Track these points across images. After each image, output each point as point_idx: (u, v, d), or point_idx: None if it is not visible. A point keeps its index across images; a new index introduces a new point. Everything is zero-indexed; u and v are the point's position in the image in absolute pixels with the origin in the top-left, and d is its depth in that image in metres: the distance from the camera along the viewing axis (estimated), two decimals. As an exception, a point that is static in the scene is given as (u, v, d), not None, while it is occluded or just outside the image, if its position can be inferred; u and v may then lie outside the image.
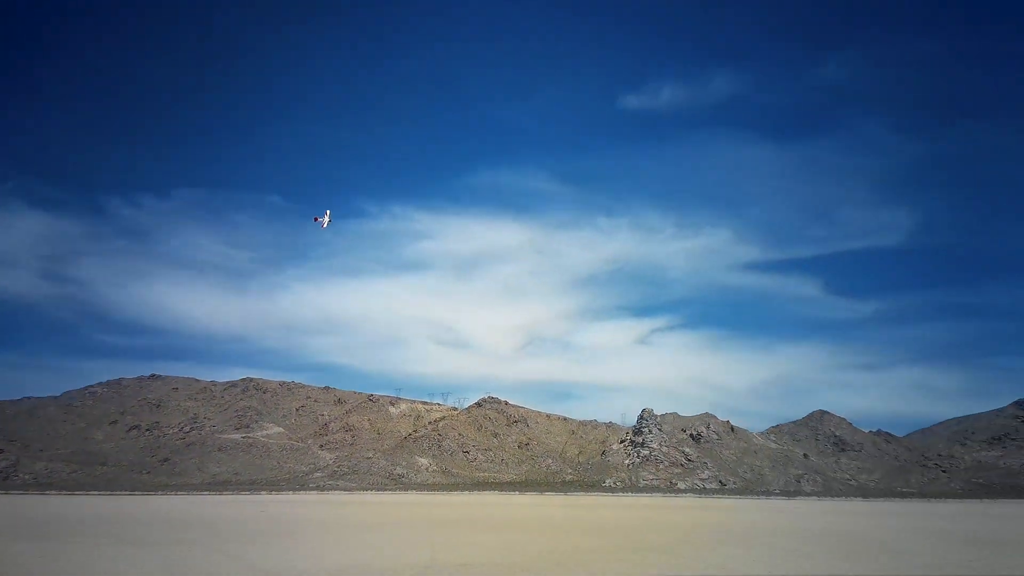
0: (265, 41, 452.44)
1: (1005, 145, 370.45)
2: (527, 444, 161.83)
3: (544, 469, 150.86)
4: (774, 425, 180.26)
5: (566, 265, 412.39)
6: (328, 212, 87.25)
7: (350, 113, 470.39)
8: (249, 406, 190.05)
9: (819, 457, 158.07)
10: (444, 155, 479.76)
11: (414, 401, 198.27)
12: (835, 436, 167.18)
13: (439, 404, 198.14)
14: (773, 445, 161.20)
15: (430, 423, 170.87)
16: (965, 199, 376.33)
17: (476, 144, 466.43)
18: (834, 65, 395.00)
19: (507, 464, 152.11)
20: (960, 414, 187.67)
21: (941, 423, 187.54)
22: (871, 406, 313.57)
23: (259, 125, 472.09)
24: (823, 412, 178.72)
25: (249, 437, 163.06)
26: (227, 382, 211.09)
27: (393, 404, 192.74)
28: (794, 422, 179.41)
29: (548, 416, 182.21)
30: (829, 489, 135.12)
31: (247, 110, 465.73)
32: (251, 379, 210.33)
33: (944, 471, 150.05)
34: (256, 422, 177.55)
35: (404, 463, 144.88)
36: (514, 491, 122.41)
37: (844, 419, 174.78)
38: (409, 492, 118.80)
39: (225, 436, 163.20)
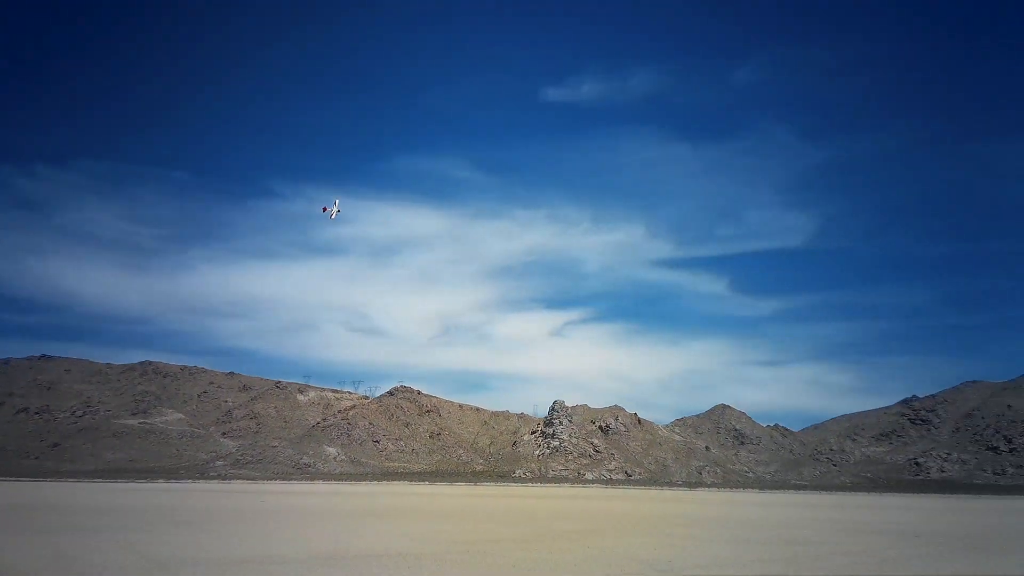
0: (180, 10, 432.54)
1: (899, 153, 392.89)
2: (439, 434, 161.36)
3: (455, 459, 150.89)
4: (679, 418, 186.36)
5: (483, 255, 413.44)
6: (337, 202, 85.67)
7: (266, 91, 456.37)
8: (147, 391, 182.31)
9: (720, 450, 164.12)
10: (363, 139, 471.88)
11: (324, 389, 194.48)
12: (735, 429, 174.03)
13: (350, 392, 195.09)
14: (677, 438, 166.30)
15: (340, 412, 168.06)
16: (861, 205, 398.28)
17: (396, 129, 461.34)
18: (748, 70, 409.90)
19: (418, 454, 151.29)
20: (851, 411, 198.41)
21: (834, 419, 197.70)
22: (770, 401, 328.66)
23: (169, 98, 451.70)
24: (725, 406, 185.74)
25: (147, 423, 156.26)
26: (124, 365, 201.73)
27: (302, 392, 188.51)
28: (697, 415, 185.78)
29: (461, 406, 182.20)
30: (728, 481, 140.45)
31: (156, 81, 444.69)
32: (150, 363, 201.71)
33: (835, 465, 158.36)
34: (155, 407, 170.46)
35: (311, 452, 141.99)
36: (424, 481, 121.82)
37: (744, 413, 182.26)
38: (316, 482, 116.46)
39: (121, 421, 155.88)
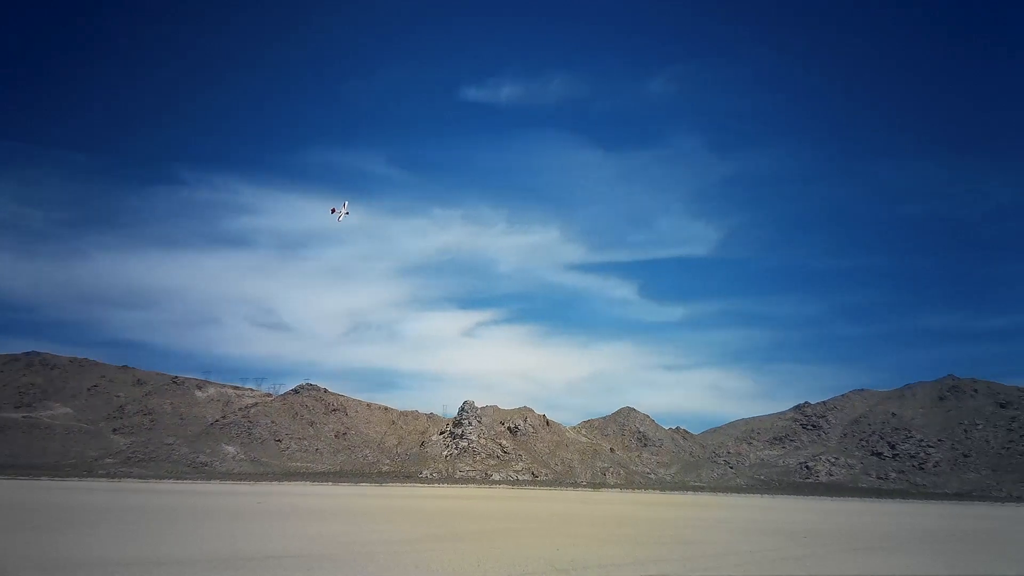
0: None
1: (797, 170, 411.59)
2: (345, 434, 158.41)
3: (361, 459, 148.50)
4: (586, 420, 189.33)
5: (397, 252, 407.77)
6: (346, 204, 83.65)
7: (174, 74, 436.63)
8: (32, 383, 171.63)
9: (624, 451, 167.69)
10: (275, 128, 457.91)
11: (224, 385, 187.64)
12: (639, 432, 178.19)
13: (252, 389, 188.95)
14: (583, 439, 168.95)
15: (241, 409, 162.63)
16: (762, 218, 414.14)
17: (310, 121, 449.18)
18: (661, 81, 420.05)
19: (322, 454, 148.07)
20: (749, 415, 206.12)
21: (732, 423, 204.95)
22: (673, 404, 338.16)
23: (68, 76, 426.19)
24: (630, 409, 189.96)
25: (31, 417, 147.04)
26: (7, 355, 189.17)
27: (200, 388, 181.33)
28: (604, 417, 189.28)
29: (369, 405, 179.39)
30: (631, 482, 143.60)
31: (53, 57, 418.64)
32: (36, 353, 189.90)
33: (732, 467, 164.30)
34: (40, 401, 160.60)
35: (209, 451, 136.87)
36: (328, 481, 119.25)
37: (648, 416, 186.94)
38: (212, 481, 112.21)
39: (2, 415, 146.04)
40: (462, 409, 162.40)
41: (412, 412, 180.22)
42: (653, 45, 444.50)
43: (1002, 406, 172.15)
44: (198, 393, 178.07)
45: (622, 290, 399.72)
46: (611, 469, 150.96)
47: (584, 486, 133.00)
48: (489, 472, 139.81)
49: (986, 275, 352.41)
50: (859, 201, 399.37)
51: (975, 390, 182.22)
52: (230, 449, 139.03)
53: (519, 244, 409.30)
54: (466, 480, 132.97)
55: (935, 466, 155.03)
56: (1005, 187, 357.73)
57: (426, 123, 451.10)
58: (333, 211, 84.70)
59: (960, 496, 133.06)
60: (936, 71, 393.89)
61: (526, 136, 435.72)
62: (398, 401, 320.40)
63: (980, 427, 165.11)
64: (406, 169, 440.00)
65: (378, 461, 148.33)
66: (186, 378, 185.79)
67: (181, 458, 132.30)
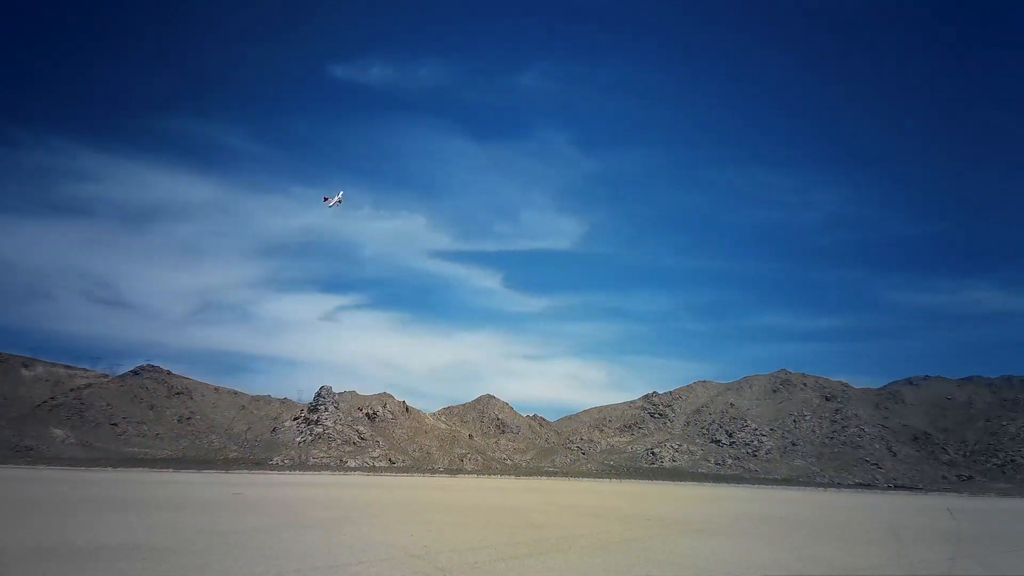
0: None
1: (658, 172, 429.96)
2: (189, 418, 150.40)
3: (206, 445, 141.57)
4: (446, 407, 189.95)
5: (254, 230, 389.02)
6: (341, 192, 79.32)
7: (6, 24, 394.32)
8: None
9: (482, 438, 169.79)
10: (121, 90, 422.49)
11: (54, 364, 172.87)
12: (498, 419, 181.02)
13: (86, 369, 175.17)
14: (443, 426, 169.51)
15: (73, 390, 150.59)
16: (622, 216, 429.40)
17: (161, 85, 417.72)
18: (532, 76, 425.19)
19: (163, 439, 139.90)
20: (602, 404, 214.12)
21: (586, 411, 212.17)
22: (532, 393, 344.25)
23: None
24: (490, 396, 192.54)
25: None
26: None
27: (27, 366, 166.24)
28: (464, 404, 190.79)
29: (217, 389, 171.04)
30: (487, 468, 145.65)
31: None
32: None
33: (584, 453, 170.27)
34: None
35: (35, 434, 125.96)
36: (168, 468, 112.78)
37: (507, 404, 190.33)
38: (39, 467, 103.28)
39: None
40: (318, 395, 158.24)
41: (264, 397, 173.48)
42: (527, 39, 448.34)
43: (827, 399, 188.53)
44: (24, 372, 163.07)
45: (487, 280, 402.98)
46: (469, 455, 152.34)
47: (442, 472, 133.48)
48: (344, 459, 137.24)
49: (816, 280, 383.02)
50: (710, 206, 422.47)
51: (804, 384, 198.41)
52: (59, 432, 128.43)
53: (385, 229, 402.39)
54: (320, 467, 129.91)
55: (767, 453, 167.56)
56: (835, 198, 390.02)
57: (290, 98, 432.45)
58: (326, 200, 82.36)
59: (788, 481, 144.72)
60: (785, 86, 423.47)
61: (396, 120, 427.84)
62: (250, 386, 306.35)
63: (807, 418, 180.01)
64: (266, 143, 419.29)
65: (225, 447, 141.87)
66: (10, 355, 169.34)
67: (3, 442, 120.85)
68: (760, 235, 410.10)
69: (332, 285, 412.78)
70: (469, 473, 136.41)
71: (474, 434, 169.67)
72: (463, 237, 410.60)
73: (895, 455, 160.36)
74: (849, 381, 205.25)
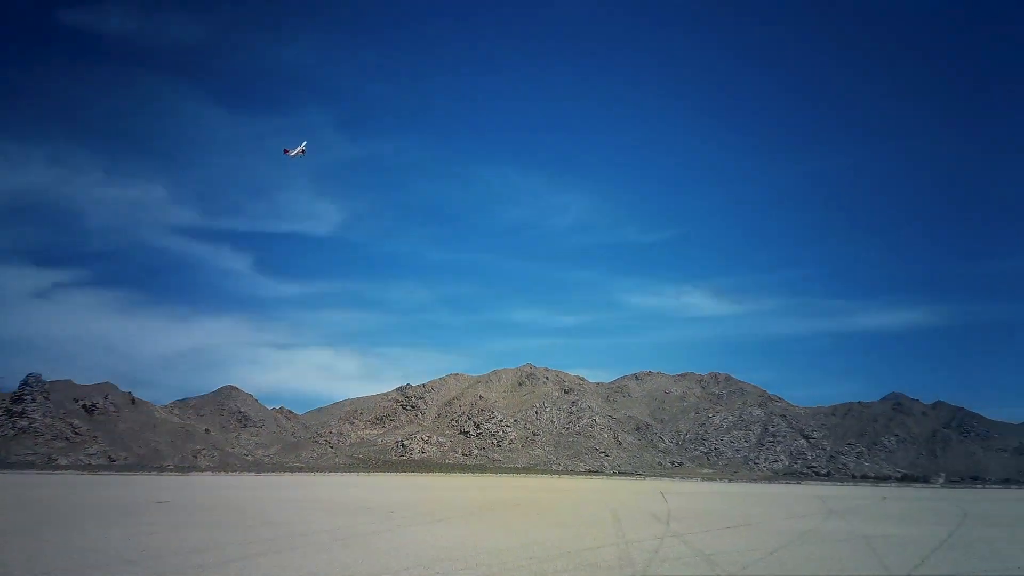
0: None
1: (418, 164, 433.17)
2: None
3: None
4: (181, 398, 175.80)
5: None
6: (304, 143, 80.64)
7: None
8: None
9: (221, 432, 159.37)
10: None
11: None
12: (240, 412, 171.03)
13: None
14: (176, 419, 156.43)
15: None
16: (382, 206, 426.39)
17: None
18: (296, 51, 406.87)
19: None
20: (355, 395, 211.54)
21: (337, 403, 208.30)
22: (280, 383, 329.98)
23: None
24: (232, 387, 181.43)
25: None
26: None
27: None
28: (202, 396, 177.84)
29: None
30: (226, 464, 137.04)
31: None
32: None
33: (332, 447, 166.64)
34: None
35: None
36: None
37: (251, 395, 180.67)
38: None
39: None
40: (24, 383, 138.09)
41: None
42: (293, 8, 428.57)
43: (566, 392, 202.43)
44: None
45: (235, 261, 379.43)
46: (205, 451, 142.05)
47: (171, 470, 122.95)
48: (54, 456, 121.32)
49: (562, 279, 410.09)
50: (469, 201, 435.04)
51: (547, 377, 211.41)
52: None
53: (117, 198, 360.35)
54: (24, 465, 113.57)
55: (510, 443, 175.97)
56: (583, 203, 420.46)
57: (10, 44, 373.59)
58: (286, 151, 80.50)
59: (527, 469, 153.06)
60: (543, 91, 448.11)
61: (137, 78, 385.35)
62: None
63: (548, 410, 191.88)
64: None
65: None
66: None
67: None
68: (513, 233, 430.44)
69: (48, 258, 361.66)
70: (204, 470, 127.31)
71: (212, 428, 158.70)
72: (211, 214, 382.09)
73: (620, 444, 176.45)
74: (586, 375, 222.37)
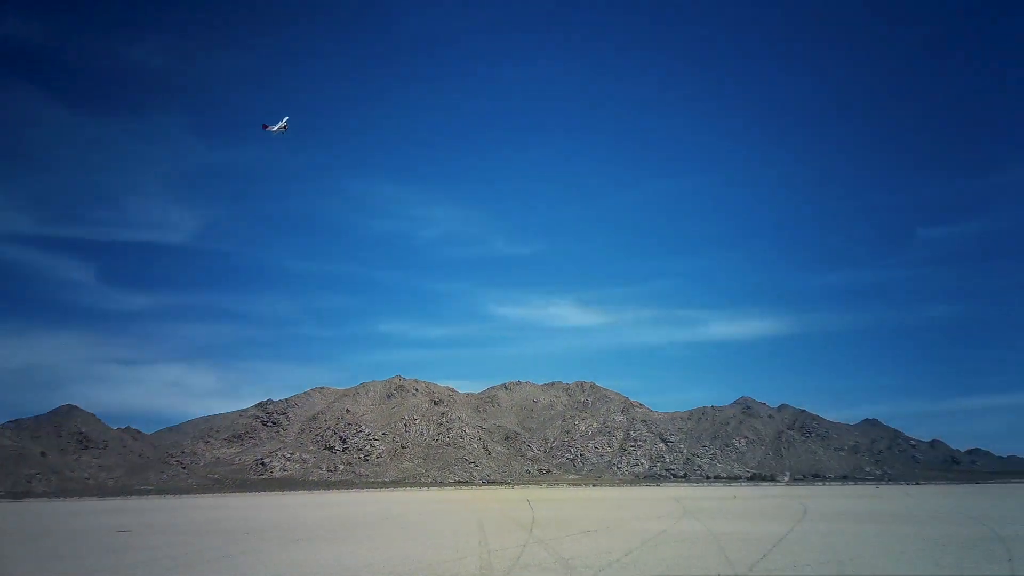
0: None
1: (280, 171, 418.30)
2: None
3: None
4: (13, 419, 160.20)
5: None
6: (285, 119, 79.33)
7: None
8: None
9: (59, 455, 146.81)
10: None
11: None
12: (81, 433, 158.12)
13: None
14: (8, 442, 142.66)
15: None
16: (242, 214, 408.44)
17: None
18: (148, 50, 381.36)
19: None
20: (210, 412, 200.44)
21: (191, 421, 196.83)
22: (126, 402, 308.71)
23: None
24: (72, 407, 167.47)
25: None
26: None
27: None
28: (37, 417, 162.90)
29: None
30: (65, 489, 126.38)
31: None
32: None
33: (184, 468, 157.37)
34: None
35: None
36: None
37: (93, 415, 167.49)
38: None
39: None
40: None
41: None
42: (142, 8, 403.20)
43: (436, 403, 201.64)
44: None
45: (76, 272, 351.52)
46: (40, 475, 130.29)
47: (2, 497, 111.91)
48: None
49: (431, 290, 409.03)
50: (333, 213, 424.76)
51: (416, 389, 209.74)
52: None
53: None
54: None
55: (378, 457, 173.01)
56: (451, 215, 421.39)
57: None
58: (266, 127, 79.96)
59: (396, 483, 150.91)
60: (406, 106, 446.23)
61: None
62: None
63: (417, 421, 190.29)
64: None
65: None
66: None
67: None
68: (383, 245, 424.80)
69: None
70: (39, 496, 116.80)
71: (49, 451, 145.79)
72: (47, 221, 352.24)
73: (490, 453, 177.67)
74: (455, 386, 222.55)
